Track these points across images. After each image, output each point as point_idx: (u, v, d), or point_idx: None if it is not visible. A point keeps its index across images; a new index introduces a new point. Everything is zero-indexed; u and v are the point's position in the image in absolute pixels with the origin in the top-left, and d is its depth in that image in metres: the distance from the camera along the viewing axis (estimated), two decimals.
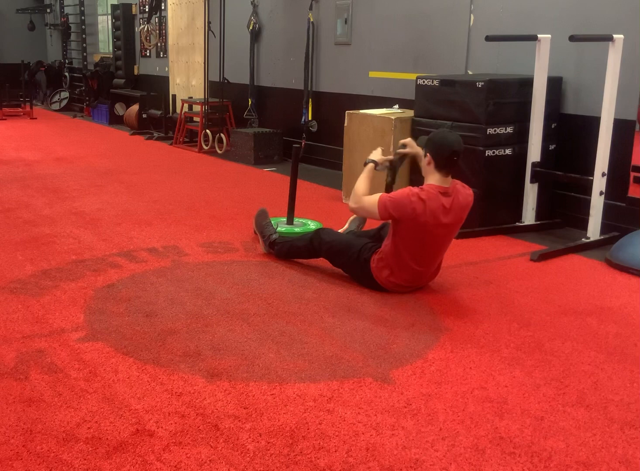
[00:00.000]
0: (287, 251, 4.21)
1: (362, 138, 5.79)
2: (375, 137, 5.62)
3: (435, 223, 3.53)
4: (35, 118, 12.46)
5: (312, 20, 7.55)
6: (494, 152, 4.93)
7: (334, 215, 5.45)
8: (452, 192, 3.59)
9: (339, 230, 4.26)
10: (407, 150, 3.91)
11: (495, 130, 4.92)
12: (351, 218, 4.42)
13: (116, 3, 12.25)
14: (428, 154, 3.59)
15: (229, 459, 2.19)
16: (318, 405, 2.53)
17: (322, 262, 4.13)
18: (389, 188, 4.15)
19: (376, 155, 3.91)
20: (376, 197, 3.60)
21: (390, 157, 3.97)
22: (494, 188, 4.99)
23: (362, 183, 3.76)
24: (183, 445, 2.26)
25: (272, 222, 4.79)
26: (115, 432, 2.33)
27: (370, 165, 3.86)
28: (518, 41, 5.27)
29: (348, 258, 3.84)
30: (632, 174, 4.86)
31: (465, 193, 3.66)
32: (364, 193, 3.70)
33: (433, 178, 3.59)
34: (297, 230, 4.62)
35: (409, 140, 3.98)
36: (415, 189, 3.55)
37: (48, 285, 3.78)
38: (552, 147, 5.21)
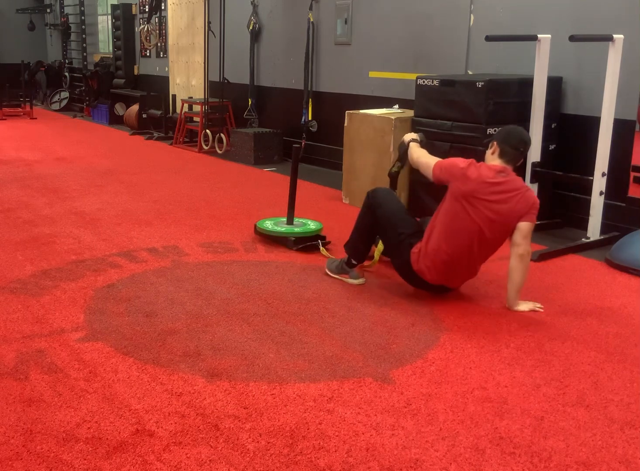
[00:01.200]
0: (352, 242, 3.94)
1: (362, 138, 5.78)
2: (375, 137, 5.62)
3: (481, 192, 3.37)
4: (35, 118, 12.46)
5: (312, 20, 7.55)
6: None
7: (334, 215, 5.46)
8: (510, 174, 3.44)
9: None
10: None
11: (495, 130, 4.90)
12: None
13: (116, 3, 12.26)
14: (494, 142, 3.51)
15: (229, 459, 2.19)
16: (318, 405, 2.53)
17: (322, 262, 4.13)
18: (394, 178, 4.19)
19: (411, 135, 3.96)
20: (436, 158, 3.65)
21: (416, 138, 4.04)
22: None
23: (420, 150, 3.81)
24: (183, 445, 2.26)
25: (272, 222, 4.79)
26: (115, 432, 2.33)
27: (414, 143, 3.89)
28: (518, 41, 5.27)
29: (395, 233, 3.65)
30: (632, 174, 4.86)
31: (524, 185, 3.45)
32: (426, 154, 3.75)
33: (492, 163, 3.51)
34: (297, 230, 4.62)
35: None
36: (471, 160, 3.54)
37: (48, 285, 3.78)
38: (552, 147, 5.21)
